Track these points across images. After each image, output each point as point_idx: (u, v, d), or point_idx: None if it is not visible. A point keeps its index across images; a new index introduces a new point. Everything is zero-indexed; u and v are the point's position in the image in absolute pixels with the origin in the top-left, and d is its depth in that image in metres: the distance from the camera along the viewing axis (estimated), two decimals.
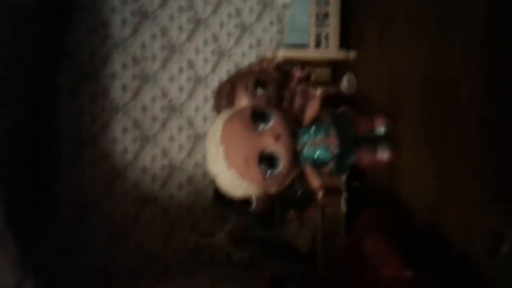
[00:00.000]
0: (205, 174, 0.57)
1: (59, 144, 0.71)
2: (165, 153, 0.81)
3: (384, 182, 0.69)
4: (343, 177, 0.75)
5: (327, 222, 0.78)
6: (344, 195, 0.74)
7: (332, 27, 0.80)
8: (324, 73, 0.87)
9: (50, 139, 0.70)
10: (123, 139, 0.77)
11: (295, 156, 0.60)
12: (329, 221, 0.77)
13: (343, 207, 0.72)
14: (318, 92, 0.64)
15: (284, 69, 0.84)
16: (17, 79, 0.67)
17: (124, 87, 0.76)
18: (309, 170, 0.62)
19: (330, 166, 0.63)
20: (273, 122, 0.57)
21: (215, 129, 0.56)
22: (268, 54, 0.77)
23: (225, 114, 0.58)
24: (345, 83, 0.79)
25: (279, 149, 0.55)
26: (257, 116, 0.57)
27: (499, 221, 0.45)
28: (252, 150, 0.54)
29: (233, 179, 0.55)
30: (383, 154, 0.66)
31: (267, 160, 0.55)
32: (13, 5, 0.65)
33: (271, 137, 0.55)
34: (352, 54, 0.80)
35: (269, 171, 0.55)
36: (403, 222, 0.63)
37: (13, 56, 0.67)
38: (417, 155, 0.62)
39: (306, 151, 0.61)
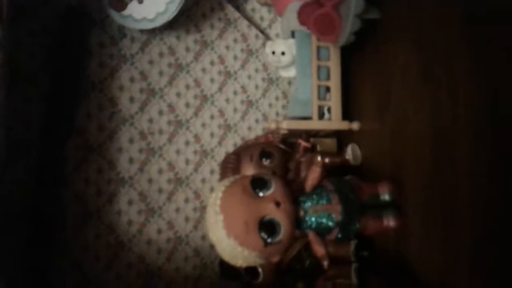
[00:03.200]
0: (212, 246, 0.56)
1: (64, 217, 0.71)
2: (171, 226, 0.81)
3: (392, 248, 0.67)
4: (352, 247, 0.73)
5: None
6: (354, 266, 0.71)
7: (334, 100, 0.82)
8: (329, 143, 0.88)
9: (55, 213, 0.71)
10: (128, 211, 0.77)
11: (297, 223, 0.60)
12: None
13: (354, 278, 0.70)
14: (319, 158, 0.65)
15: (290, 141, 0.86)
16: (26, 153, 0.69)
17: (130, 160, 0.78)
18: (312, 238, 0.61)
19: (335, 233, 0.62)
20: (274, 189, 0.57)
21: (215, 197, 0.56)
22: (272, 126, 0.79)
23: (225, 182, 0.58)
24: (350, 153, 0.80)
25: (280, 216, 0.55)
26: (257, 183, 0.57)
27: None
28: (252, 216, 0.54)
29: (233, 247, 0.54)
30: (389, 221, 0.65)
31: (267, 227, 0.54)
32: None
33: (272, 203, 0.55)
34: (355, 125, 0.81)
35: (269, 239, 0.54)
36: None
37: (22, 133, 0.70)
38: (423, 222, 0.61)
39: (309, 218, 0.60)
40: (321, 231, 0.61)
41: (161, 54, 0.85)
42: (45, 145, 0.71)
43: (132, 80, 0.81)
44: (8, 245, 0.65)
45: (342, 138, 0.87)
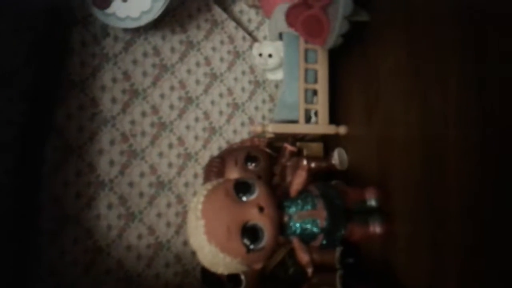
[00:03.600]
0: (194, 252, 0.54)
1: (39, 221, 0.68)
2: (152, 231, 0.79)
3: (378, 255, 0.66)
4: (337, 254, 0.71)
5: None
6: (339, 273, 0.69)
7: (321, 104, 0.81)
8: (316, 148, 0.86)
9: (31, 215, 0.68)
10: (107, 216, 0.74)
11: (281, 229, 0.58)
12: None
13: (339, 286, 0.68)
14: (305, 162, 0.63)
15: (276, 145, 0.84)
16: (4, 153, 0.67)
17: (111, 163, 0.75)
18: (297, 244, 0.59)
19: (320, 240, 0.61)
20: (258, 193, 0.55)
21: (196, 202, 0.54)
22: (258, 129, 0.77)
23: (207, 185, 0.56)
24: (336, 157, 0.79)
25: (263, 221, 0.53)
26: (241, 187, 0.56)
27: None
28: (234, 222, 0.52)
29: (214, 254, 0.52)
30: (376, 227, 0.63)
31: (250, 233, 0.53)
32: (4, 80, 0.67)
33: (255, 208, 0.53)
34: (342, 129, 0.80)
35: (252, 245, 0.52)
36: None
37: (2, 133, 0.67)
38: (410, 228, 0.59)
39: (293, 224, 0.59)
40: (306, 238, 0.59)
41: (145, 54, 0.83)
42: (24, 146, 0.69)
43: (114, 80, 0.79)
44: None
45: (328, 142, 0.85)
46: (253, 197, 0.55)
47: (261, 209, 0.53)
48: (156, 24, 0.83)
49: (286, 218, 0.58)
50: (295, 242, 0.59)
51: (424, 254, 0.56)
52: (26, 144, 0.69)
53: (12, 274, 0.67)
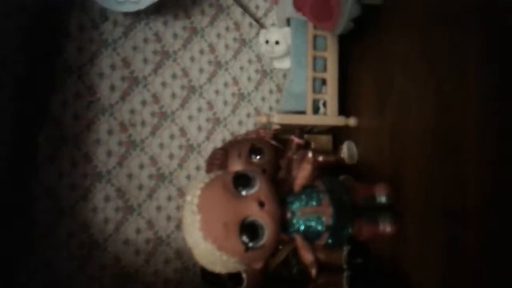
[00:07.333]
0: None
1: (33, 212, 0.66)
2: (151, 225, 0.75)
3: (388, 256, 0.62)
4: (344, 254, 0.67)
5: None
6: (346, 274, 0.65)
7: (330, 93, 0.76)
8: (324, 140, 0.82)
9: (24, 206, 0.65)
10: (104, 208, 0.71)
11: (283, 226, 0.54)
12: None
13: (345, 287, 0.64)
14: (311, 155, 0.59)
15: (283, 137, 0.80)
16: None
17: (109, 153, 0.72)
18: (300, 243, 0.55)
19: (325, 238, 0.56)
20: (258, 187, 0.51)
21: (193, 195, 0.50)
22: (264, 120, 0.73)
23: (205, 178, 0.52)
24: (345, 151, 0.75)
25: (264, 217, 0.49)
26: (240, 180, 0.52)
27: None
28: (232, 217, 0.48)
29: (211, 251, 0.48)
30: (386, 226, 0.59)
31: (249, 230, 0.49)
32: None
33: (255, 203, 0.49)
34: (352, 121, 0.75)
35: (251, 243, 0.48)
36: None
37: None
38: (423, 228, 0.55)
39: (296, 221, 0.55)
40: (310, 236, 0.55)
41: (146, 40, 0.79)
42: (17, 134, 0.66)
43: (113, 67, 0.75)
44: None
45: (338, 135, 0.81)
46: (253, 191, 0.51)
47: (261, 204, 0.49)
48: (158, 9, 0.79)
49: (289, 215, 0.54)
50: (298, 240, 0.54)
51: (437, 256, 0.51)
52: (19, 132, 0.66)
53: (4, 266, 0.64)
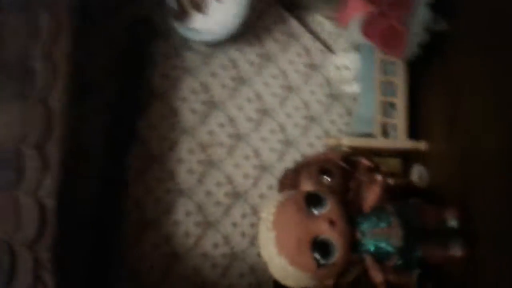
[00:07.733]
0: None
1: (121, 226, 0.73)
2: (227, 240, 0.80)
3: (458, 281, 0.61)
4: (414, 278, 0.68)
5: None
6: None
7: (399, 117, 0.78)
8: (393, 163, 0.83)
9: (114, 220, 0.72)
10: (185, 222, 0.77)
11: (354, 246, 0.56)
12: None
13: None
14: (380, 177, 0.61)
15: (352, 159, 0.82)
16: (93, 157, 0.72)
17: (190, 171, 0.78)
18: (370, 263, 0.57)
19: (394, 260, 0.58)
20: (329, 207, 0.55)
21: (268, 213, 0.55)
22: (333, 142, 0.76)
23: (279, 197, 0.57)
24: (415, 174, 0.75)
25: (335, 236, 0.52)
26: (312, 199, 0.55)
27: None
28: (304, 235, 0.52)
29: (284, 266, 0.52)
30: (456, 250, 0.60)
31: (321, 247, 0.52)
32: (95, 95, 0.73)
33: (326, 222, 0.53)
34: (422, 145, 0.76)
35: (323, 260, 0.51)
36: None
37: (89, 143, 0.73)
38: (496, 254, 0.55)
39: (366, 241, 0.57)
40: (380, 256, 0.57)
41: (223, 67, 0.85)
42: (108, 154, 0.74)
43: (193, 91, 0.82)
44: (73, 253, 0.67)
45: (407, 158, 0.82)
46: (324, 210, 0.54)
47: (332, 223, 0.52)
48: (234, 38, 0.85)
49: (358, 235, 0.57)
50: (369, 260, 0.57)
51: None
52: (111, 152, 0.73)
53: (102, 278, 0.71)
